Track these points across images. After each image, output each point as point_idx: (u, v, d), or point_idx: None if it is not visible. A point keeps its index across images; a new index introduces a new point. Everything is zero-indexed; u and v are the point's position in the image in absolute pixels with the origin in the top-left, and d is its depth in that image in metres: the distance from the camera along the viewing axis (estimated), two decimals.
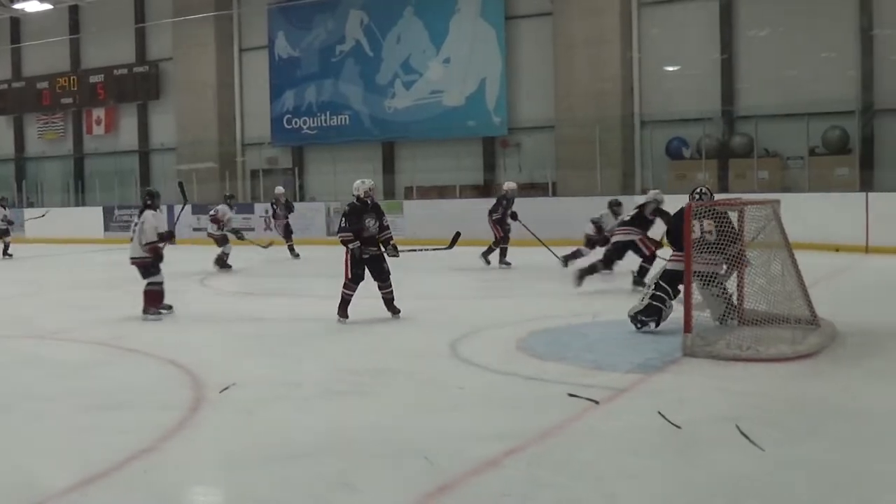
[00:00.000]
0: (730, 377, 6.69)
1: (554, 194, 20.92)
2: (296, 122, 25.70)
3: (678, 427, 5.27)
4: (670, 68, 20.85)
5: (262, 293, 13.19)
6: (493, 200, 17.49)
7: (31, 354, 8.90)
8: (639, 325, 8.67)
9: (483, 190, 22.60)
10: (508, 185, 15.25)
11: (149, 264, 10.49)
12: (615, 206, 13.32)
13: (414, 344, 8.62)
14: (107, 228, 26.52)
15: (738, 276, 8.31)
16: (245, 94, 26.89)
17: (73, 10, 29.30)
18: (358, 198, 10.11)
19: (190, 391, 6.80)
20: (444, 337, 8.66)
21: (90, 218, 27.08)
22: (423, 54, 23.66)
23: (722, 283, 8.50)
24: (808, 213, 14.79)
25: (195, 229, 22.89)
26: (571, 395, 6.14)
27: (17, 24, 31.03)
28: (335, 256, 14.35)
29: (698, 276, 8.28)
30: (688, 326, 7.52)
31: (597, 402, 5.94)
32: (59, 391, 7.03)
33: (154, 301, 10.52)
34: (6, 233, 20.79)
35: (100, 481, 4.78)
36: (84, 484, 4.72)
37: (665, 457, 4.96)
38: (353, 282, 9.80)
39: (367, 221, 9.83)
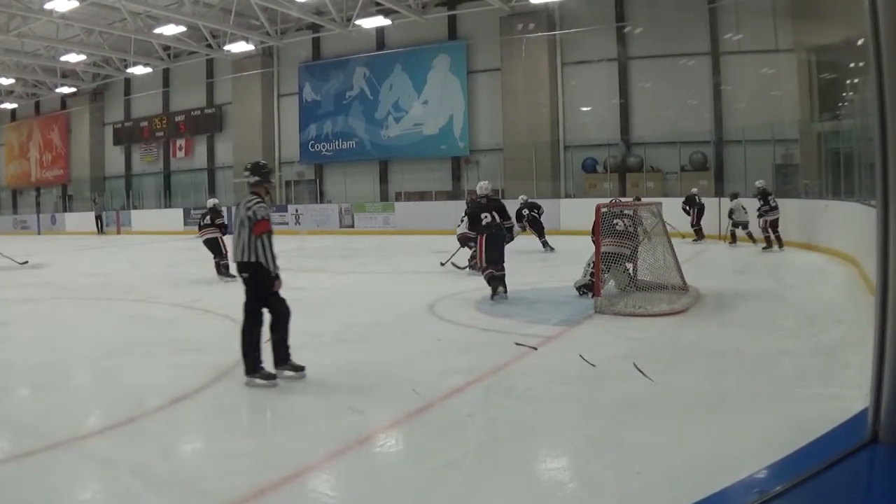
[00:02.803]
0: (628, 328, 6.51)
1: (503, 198, 19.95)
2: (317, 146, 24.80)
3: (593, 365, 5.07)
4: (584, 108, 20.14)
5: (298, 269, 12.82)
6: (458, 203, 17.17)
7: (136, 313, 8.72)
8: (581, 293, 8.13)
9: (451, 194, 21.73)
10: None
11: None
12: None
13: (403, 306, 8.26)
14: (185, 224, 25.79)
15: (634, 257, 8.03)
16: (281, 127, 25.89)
17: (166, 71, 28.18)
18: (485, 196, 8.55)
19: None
20: (424, 300, 8.34)
21: (174, 216, 26.55)
22: (408, 97, 22.87)
23: (624, 263, 8.07)
24: (679, 211, 14.91)
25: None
26: (518, 343, 5.82)
27: (129, 82, 29.93)
28: (343, 244, 14.10)
29: (610, 256, 7.87)
30: (597, 292, 7.35)
31: (535, 349, 5.70)
32: (157, 339, 6.85)
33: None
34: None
35: (183, 401, 4.73)
36: (173, 403, 4.68)
37: (583, 385, 4.76)
38: (494, 264, 8.18)
39: (482, 215, 8.37)
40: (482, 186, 8.76)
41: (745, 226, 13.33)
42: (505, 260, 8.45)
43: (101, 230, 27.81)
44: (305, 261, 13.43)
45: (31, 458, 3.82)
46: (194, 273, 12.45)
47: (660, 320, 6.78)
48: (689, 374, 4.97)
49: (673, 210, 13.49)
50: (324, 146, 24.63)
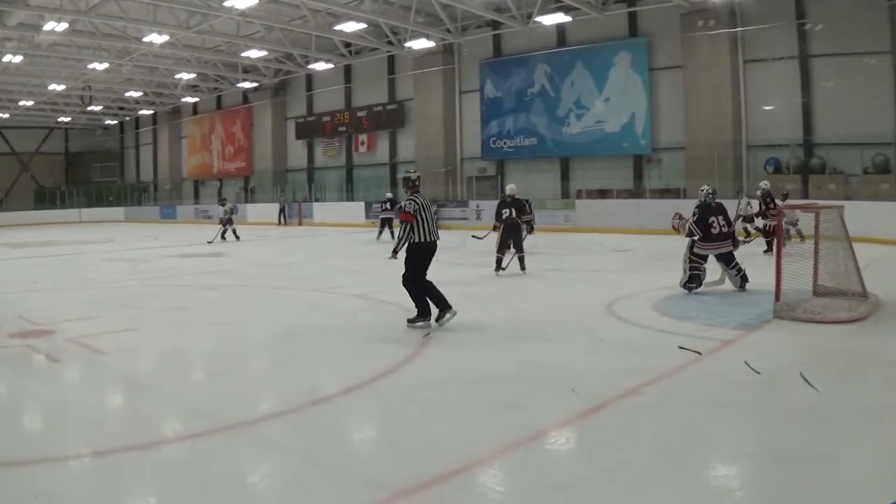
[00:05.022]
0: (804, 334, 7.27)
1: (684, 197, 22.93)
2: (499, 143, 30.19)
3: (758, 372, 5.78)
4: (767, 107, 23.38)
5: (473, 264, 14.43)
6: (639, 201, 21.02)
7: (314, 302, 10.09)
8: (689, 289, 10.12)
9: (633, 193, 25.86)
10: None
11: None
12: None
13: (580, 304, 9.48)
14: (366, 216, 32.07)
15: (814, 260, 8.86)
16: (463, 123, 31.54)
17: (347, 68, 35.29)
18: (511, 196, 13.36)
19: (420, 332, 7.78)
20: (602, 299, 9.62)
21: (355, 209, 32.88)
22: (589, 95, 27.42)
23: (734, 260, 10.01)
24: (861, 215, 15.84)
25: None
26: (682, 347, 6.61)
27: (310, 78, 37.52)
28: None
29: (723, 258, 10.01)
30: (777, 296, 8.16)
31: (699, 353, 6.43)
32: (332, 328, 8.14)
33: None
34: (230, 221, 23.91)
35: (355, 391, 5.66)
36: (346, 391, 5.62)
37: (757, 391, 5.42)
38: (509, 248, 12.90)
39: (503, 210, 13.09)
40: (510, 188, 13.77)
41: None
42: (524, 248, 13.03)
43: (283, 221, 35.34)
44: (481, 257, 14.88)
45: (202, 440, 4.66)
46: (373, 265, 14.85)
47: (837, 327, 7.48)
48: (863, 384, 5.53)
49: (857, 211, 14.46)
50: (505, 143, 30.20)
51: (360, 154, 36.00)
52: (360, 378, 5.98)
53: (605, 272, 13.44)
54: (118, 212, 48.04)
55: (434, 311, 8.14)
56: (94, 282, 13.56)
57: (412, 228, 8.04)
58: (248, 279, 13.70)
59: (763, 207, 16.30)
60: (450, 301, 8.15)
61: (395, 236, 9.66)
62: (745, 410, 5.05)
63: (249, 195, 41.84)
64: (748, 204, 17.42)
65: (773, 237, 13.32)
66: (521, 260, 13.35)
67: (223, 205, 25.07)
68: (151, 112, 47.80)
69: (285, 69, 35.58)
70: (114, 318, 9.32)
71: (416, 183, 8.39)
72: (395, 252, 8.40)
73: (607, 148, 27.15)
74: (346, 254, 18.42)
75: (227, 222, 24.11)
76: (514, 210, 13.34)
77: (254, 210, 38.04)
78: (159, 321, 9.25)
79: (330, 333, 8.00)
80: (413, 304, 8.16)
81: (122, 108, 47.26)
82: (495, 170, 30.86)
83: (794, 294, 8.33)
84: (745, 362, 6.02)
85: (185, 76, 36.38)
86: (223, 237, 23.75)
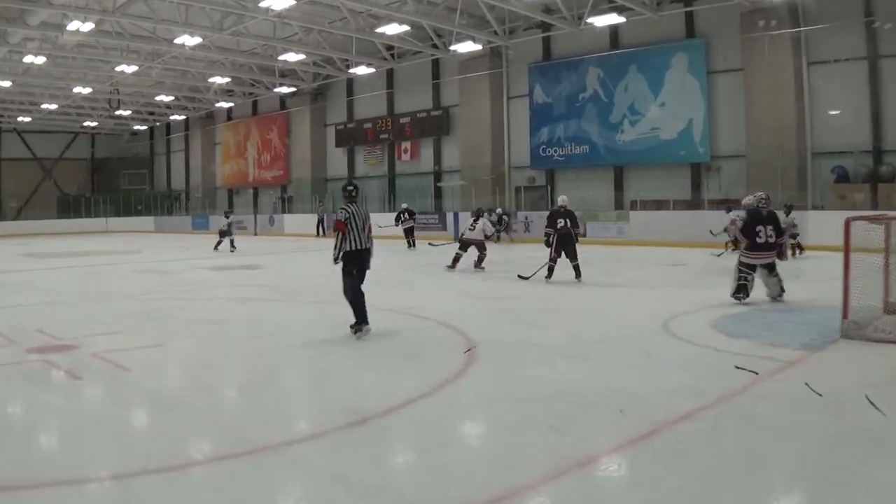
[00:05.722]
0: (873, 354, 7.33)
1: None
2: (549, 151, 30.74)
3: (820, 395, 5.86)
4: (832, 112, 23.48)
5: (516, 278, 14.81)
6: (697, 212, 21.20)
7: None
8: (737, 299, 10.57)
9: (690, 203, 26.03)
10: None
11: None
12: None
13: (634, 321, 9.54)
14: (396, 224, 31.74)
15: (885, 275, 8.75)
16: (511, 130, 32.18)
17: (389, 72, 36.20)
18: (563, 206, 14.49)
19: (464, 349, 7.88)
20: (658, 316, 9.69)
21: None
22: (644, 100, 27.79)
23: (776, 271, 10.51)
24: None
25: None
26: (738, 367, 6.72)
27: (351, 83, 38.58)
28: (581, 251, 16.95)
29: (765, 266, 10.42)
30: (845, 314, 8.10)
31: (756, 373, 6.53)
32: (371, 345, 8.31)
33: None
34: (229, 232, 25.71)
35: (394, 412, 5.71)
36: (384, 413, 5.67)
37: (821, 415, 5.51)
38: (562, 257, 14.14)
39: (558, 220, 14.27)
40: (563, 199, 14.93)
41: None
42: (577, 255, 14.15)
43: (321, 233, 35.86)
44: (529, 270, 15.16)
45: (231, 462, 4.75)
46: (414, 278, 15.22)
47: None
48: None
49: None
50: (556, 150, 30.74)
51: (403, 162, 36.85)
52: (398, 397, 6.08)
53: (661, 287, 13.69)
54: (147, 221, 49.28)
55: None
56: (121, 294, 13.79)
57: (344, 237, 8.82)
58: (283, 293, 13.91)
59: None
60: (496, 314, 8.63)
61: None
62: (805, 435, 5.10)
63: (286, 205, 42.91)
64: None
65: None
66: (577, 269, 14.33)
67: (227, 217, 26.56)
68: (183, 117, 49.21)
69: (324, 73, 36.54)
70: (140, 333, 9.46)
71: (353, 194, 9.07)
72: (335, 260, 8.99)
73: (663, 156, 27.51)
74: (386, 266, 18.25)
75: (226, 233, 25.61)
76: (567, 220, 14.36)
77: (291, 221, 39.03)
78: (188, 336, 9.41)
79: (367, 350, 8.16)
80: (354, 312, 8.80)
81: (151, 113, 48.71)
82: (545, 179, 31.44)
83: (864, 311, 8.28)
84: (806, 384, 6.09)
85: (219, 80, 37.27)
86: (217, 248, 25.44)
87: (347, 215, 8.86)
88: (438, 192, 34.74)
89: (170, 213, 50.30)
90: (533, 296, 12.39)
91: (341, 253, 8.87)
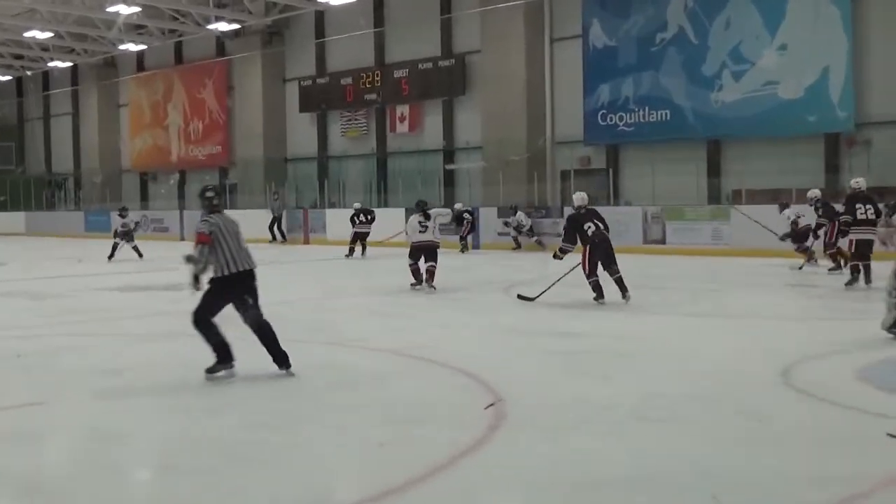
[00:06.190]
0: None
1: None
2: (611, 119, 30.40)
3: None
4: None
5: (577, 305, 15.11)
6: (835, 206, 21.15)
7: (326, 361, 10.47)
8: (894, 334, 10.74)
9: (824, 193, 24.56)
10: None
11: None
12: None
13: (738, 368, 9.75)
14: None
15: None
16: (556, 88, 31.78)
17: (378, 3, 36.05)
18: (583, 206, 15.11)
19: (493, 408, 7.94)
20: (775, 361, 9.74)
21: (391, 220, 31.15)
22: (755, 41, 27.24)
23: None
24: None
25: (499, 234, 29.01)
26: (890, 434, 6.79)
27: (321, 17, 38.34)
28: (647, 268, 17.97)
29: None
30: None
31: None
32: (357, 402, 8.54)
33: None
34: (130, 237, 27.57)
35: (393, 497, 5.79)
36: (375, 500, 5.75)
37: None
38: (599, 271, 14.88)
39: (586, 225, 14.84)
40: (582, 197, 15.43)
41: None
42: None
43: (278, 237, 35.68)
44: (587, 293, 15.38)
45: None
46: (413, 306, 15.58)
47: None
48: None
49: None
50: (621, 118, 30.31)
51: (399, 136, 36.63)
52: (395, 479, 6.02)
53: (779, 319, 13.63)
54: (15, 219, 48.70)
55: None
56: None
57: (211, 253, 9.25)
58: (226, 325, 13.64)
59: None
60: (536, 357, 9.11)
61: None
62: None
63: (228, 197, 42.14)
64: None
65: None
66: (621, 282, 15.00)
67: (123, 216, 28.17)
68: (69, 64, 48.80)
69: (283, 2, 36.33)
70: (7, 388, 9.40)
71: (215, 202, 9.58)
72: (195, 282, 9.36)
73: (782, 124, 26.98)
74: (376, 287, 18.97)
75: (122, 235, 27.52)
76: (598, 223, 15.17)
77: (236, 219, 38.05)
78: (80, 391, 9.27)
79: (350, 410, 8.22)
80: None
81: (19, 57, 48.51)
82: (604, 160, 31.00)
83: None
84: (888, 433, 6.33)
85: (123, 9, 36.81)
86: (112, 257, 27.05)
87: (212, 227, 9.25)
88: (450, 179, 34.39)
89: (51, 208, 50.21)
90: (589, 331, 12.54)
91: (210, 277, 9.32)
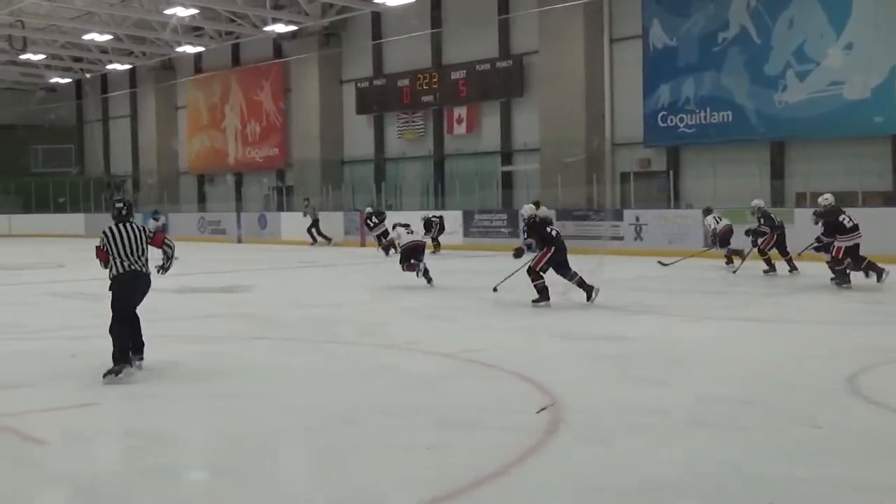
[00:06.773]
0: None
1: None
2: (671, 120, 30.18)
3: None
4: None
5: (634, 309, 15.50)
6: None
7: (378, 364, 10.60)
8: None
9: (891, 197, 25.39)
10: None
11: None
12: None
13: (798, 373, 9.80)
14: (466, 234, 32.35)
15: None
16: (615, 89, 31.76)
17: (435, 4, 36.10)
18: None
19: (545, 412, 7.99)
20: (840, 367, 9.70)
21: (449, 222, 32.14)
22: (820, 39, 26.85)
23: None
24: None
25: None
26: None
27: (378, 18, 38.40)
28: (707, 271, 18.25)
29: None
30: None
31: None
32: (406, 406, 8.56)
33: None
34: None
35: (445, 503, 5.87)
36: None
37: None
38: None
39: (548, 228, 15.63)
40: (531, 208, 16.92)
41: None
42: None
43: (319, 239, 35.63)
44: (646, 295, 16.10)
45: None
46: (467, 309, 15.68)
47: None
48: None
49: None
50: (682, 119, 30.11)
51: (456, 137, 36.68)
52: (447, 485, 6.01)
53: (845, 324, 13.67)
54: (74, 220, 48.67)
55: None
56: (28, 329, 13.81)
57: (110, 265, 10.09)
58: (277, 328, 14.09)
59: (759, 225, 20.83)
60: (589, 362, 9.32)
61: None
62: None
63: (284, 198, 42.73)
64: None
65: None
66: (583, 284, 15.57)
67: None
68: (128, 67, 49.01)
69: (340, 4, 36.45)
70: (59, 388, 9.44)
71: (123, 212, 10.50)
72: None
73: (848, 125, 26.66)
74: (432, 290, 18.96)
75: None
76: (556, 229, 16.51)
77: (291, 222, 38.46)
78: (132, 392, 9.30)
79: (401, 414, 8.23)
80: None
81: (78, 60, 48.68)
82: (664, 162, 30.89)
83: None
84: None
85: (181, 11, 37.15)
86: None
87: (104, 240, 10.15)
88: (507, 181, 34.34)
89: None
90: (638, 335, 12.57)
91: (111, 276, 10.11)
